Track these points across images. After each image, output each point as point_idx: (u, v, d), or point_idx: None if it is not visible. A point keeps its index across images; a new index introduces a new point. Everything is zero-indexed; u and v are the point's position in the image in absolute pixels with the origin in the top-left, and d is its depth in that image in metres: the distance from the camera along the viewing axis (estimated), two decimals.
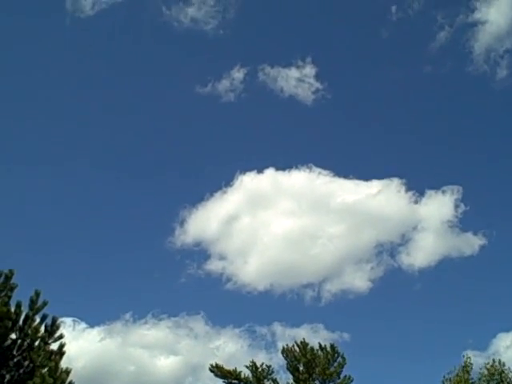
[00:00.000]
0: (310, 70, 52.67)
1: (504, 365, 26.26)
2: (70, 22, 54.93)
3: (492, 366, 26.46)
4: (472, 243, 48.74)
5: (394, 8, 54.13)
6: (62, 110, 57.58)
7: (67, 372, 12.56)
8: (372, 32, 57.81)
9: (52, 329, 12.48)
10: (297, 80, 53.02)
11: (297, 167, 51.26)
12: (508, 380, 25.86)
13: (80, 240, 55.45)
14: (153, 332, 46.10)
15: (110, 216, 57.71)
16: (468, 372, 26.08)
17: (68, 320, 41.26)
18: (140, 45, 59.15)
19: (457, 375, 26.01)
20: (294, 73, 52.96)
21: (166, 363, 44.94)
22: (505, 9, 52.01)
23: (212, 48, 58.36)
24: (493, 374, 26.19)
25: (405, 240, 49.24)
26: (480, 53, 52.24)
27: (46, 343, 12.49)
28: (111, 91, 58.89)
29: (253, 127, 59.79)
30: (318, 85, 52.79)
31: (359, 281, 48.93)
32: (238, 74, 53.06)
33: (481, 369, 26.54)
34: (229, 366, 28.47)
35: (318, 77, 52.75)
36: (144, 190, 57.80)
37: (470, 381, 25.99)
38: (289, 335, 42.49)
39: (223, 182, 52.01)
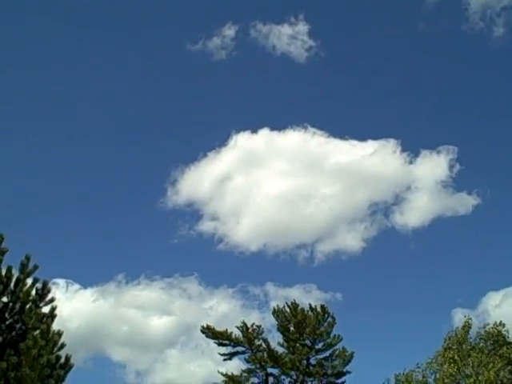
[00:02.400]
0: (302, 27, 52.32)
1: (504, 325, 26.72)
2: None
3: (494, 327, 26.84)
4: (466, 203, 49.56)
5: None
6: (48, 69, 56.99)
7: (59, 334, 12.64)
8: None
9: (43, 292, 12.51)
10: (289, 37, 52.58)
11: (292, 127, 51.26)
12: (504, 340, 26.35)
13: (72, 202, 55.70)
14: (146, 293, 46.61)
15: (101, 177, 57.80)
16: (467, 332, 26.62)
17: (61, 281, 41.66)
18: (129, 3, 58.40)
19: (455, 335, 26.53)
20: (286, 30, 52.51)
21: (159, 323, 45.56)
22: None
23: (203, 4, 57.62)
24: (491, 335, 26.67)
25: (399, 200, 49.78)
26: (476, 10, 51.64)
27: (38, 306, 12.53)
28: (99, 49, 58.41)
29: (246, 86, 59.52)
30: (311, 42, 52.53)
31: (352, 241, 49.53)
32: (230, 31, 52.56)
33: (479, 329, 27.07)
34: (220, 327, 28.85)
35: (311, 34, 52.43)
36: (135, 150, 57.81)
37: (469, 339, 26.55)
38: (282, 295, 43.02)
39: (217, 141, 52.13)
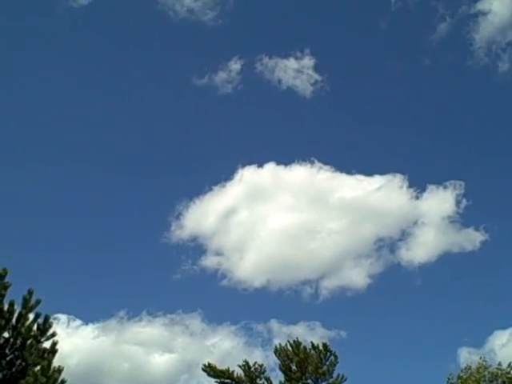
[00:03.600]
0: (308, 62, 52.23)
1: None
2: (62, 11, 54.91)
3: (497, 369, 26.50)
4: (473, 239, 48.50)
5: None
6: (55, 105, 57.38)
7: (59, 370, 12.59)
8: (371, 23, 57.65)
9: (45, 327, 12.53)
10: (295, 71, 52.54)
11: (298, 162, 51.02)
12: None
13: (75, 237, 55.31)
14: (147, 329, 46.04)
15: (104, 212, 57.29)
16: (480, 373, 26.26)
17: (63, 317, 41.33)
18: (134, 35, 58.92)
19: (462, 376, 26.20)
20: (292, 64, 52.45)
21: (160, 361, 44.92)
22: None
23: (209, 38, 58.03)
24: (496, 376, 26.33)
25: (405, 236, 49.20)
26: (481, 45, 51.73)
27: (39, 341, 12.54)
28: (105, 84, 58.91)
29: (252, 120, 59.47)
30: (316, 76, 52.47)
31: (358, 277, 48.77)
32: (236, 65, 52.73)
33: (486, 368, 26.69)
34: (223, 365, 28.56)
35: (316, 68, 52.39)
36: (140, 185, 57.43)
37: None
38: (285, 332, 42.48)
39: (223, 175, 51.82)
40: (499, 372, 26.36)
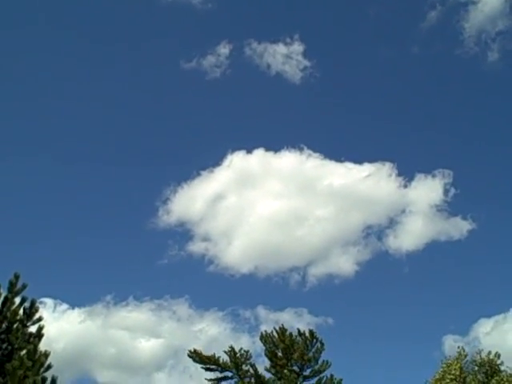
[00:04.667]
0: (297, 47, 52.56)
1: (499, 357, 26.75)
2: None
3: (484, 359, 26.87)
4: (461, 227, 49.46)
5: None
6: (38, 94, 56.97)
7: (46, 355, 12.54)
8: (360, 10, 58.19)
9: (31, 311, 12.47)
10: (284, 57, 52.73)
11: (287, 148, 51.27)
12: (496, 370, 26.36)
13: (62, 222, 55.39)
14: (134, 314, 46.22)
15: (91, 197, 57.43)
16: (460, 362, 26.58)
17: (49, 301, 41.28)
18: (122, 17, 58.70)
19: (447, 365, 26.50)
20: (281, 49, 52.62)
21: (147, 346, 45.12)
22: None
23: (197, 22, 58.06)
24: (483, 364, 26.70)
25: (393, 223, 49.73)
26: (471, 34, 52.07)
27: (25, 326, 12.47)
28: (91, 70, 58.38)
29: (241, 105, 59.67)
30: (306, 62, 52.76)
31: (345, 264, 49.38)
32: (224, 49, 52.85)
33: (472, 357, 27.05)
34: (210, 351, 28.66)
35: (305, 54, 52.65)
36: (128, 170, 57.57)
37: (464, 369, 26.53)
38: (272, 319, 42.83)
39: (212, 160, 52.02)
40: (484, 359, 26.70)
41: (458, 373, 25.74)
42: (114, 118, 57.86)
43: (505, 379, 25.42)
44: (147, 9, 57.68)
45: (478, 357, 26.97)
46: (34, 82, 56.98)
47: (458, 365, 26.17)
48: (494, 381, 25.68)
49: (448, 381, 25.49)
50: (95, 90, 57.91)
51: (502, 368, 26.56)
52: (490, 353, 26.96)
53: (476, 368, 26.72)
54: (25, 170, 54.89)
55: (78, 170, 57.20)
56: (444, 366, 26.55)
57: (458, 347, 27.39)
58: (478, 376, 26.19)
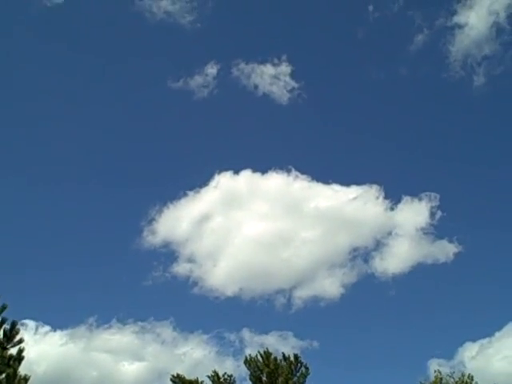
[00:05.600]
0: (285, 68, 52.31)
1: (472, 378, 26.72)
2: (36, 10, 54.57)
3: (460, 379, 26.88)
4: (447, 250, 48.82)
5: (370, 7, 53.93)
6: (26, 105, 56.39)
7: (26, 379, 12.24)
8: (349, 31, 58.20)
9: (11, 333, 12.16)
10: (272, 77, 52.55)
11: (275, 169, 51.04)
12: None
13: (45, 242, 54.57)
14: (117, 337, 45.37)
15: (75, 216, 56.23)
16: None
17: (31, 323, 40.52)
18: (109, 36, 58.60)
19: None
20: (269, 70, 52.51)
21: (130, 369, 44.21)
22: (485, 13, 51.56)
23: (185, 42, 57.77)
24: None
25: (379, 246, 49.26)
26: (457, 58, 52.23)
27: (5, 348, 12.15)
28: (78, 85, 57.61)
29: (228, 125, 59.51)
30: (293, 83, 52.53)
31: (331, 286, 48.64)
32: (212, 69, 52.64)
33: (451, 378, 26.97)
34: (194, 374, 28.19)
35: (293, 75, 52.45)
36: (113, 189, 57.00)
37: None
38: (257, 342, 42.26)
39: (198, 181, 51.40)
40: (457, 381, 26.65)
41: None
42: (98, 137, 57.36)
43: None
44: (134, 28, 57.61)
45: (452, 380, 26.91)
46: (19, 101, 56.47)
47: None
48: None
49: None
50: (80, 108, 57.50)
51: None
52: (462, 375, 26.95)
53: None
54: (5, 191, 54.23)
55: (61, 190, 56.65)
56: None
57: (435, 371, 27.34)
58: None
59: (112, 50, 57.89)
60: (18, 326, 12.25)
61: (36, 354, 36.69)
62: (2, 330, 12.06)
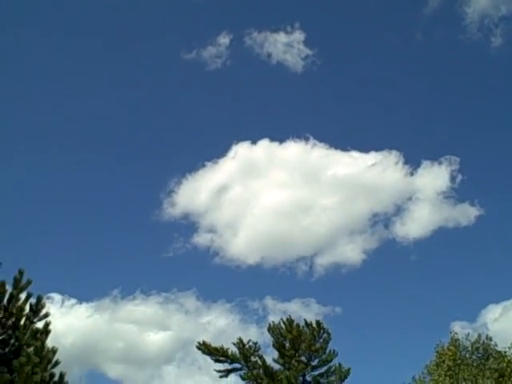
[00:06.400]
0: (298, 36, 51.92)
1: (491, 339, 26.96)
2: None
3: (477, 340, 27.15)
4: (468, 214, 48.91)
5: None
6: (39, 89, 56.85)
7: (53, 351, 12.57)
8: None
9: (37, 307, 12.49)
10: (285, 45, 52.07)
11: (292, 138, 50.98)
12: (492, 352, 26.49)
13: (67, 217, 55.40)
14: (142, 308, 46.26)
15: (95, 190, 57.33)
16: (456, 346, 26.75)
17: (57, 296, 41.42)
18: (119, 9, 58.23)
19: (447, 347, 26.66)
20: (282, 38, 52.02)
21: (155, 339, 45.19)
22: None
23: (197, 13, 57.56)
24: (477, 348, 26.93)
25: (400, 211, 49.35)
26: (473, 20, 51.38)
27: (32, 322, 12.50)
28: (93, 60, 57.73)
29: (244, 96, 59.24)
30: (307, 51, 52.14)
31: (352, 253, 49.01)
32: (224, 39, 52.41)
33: (466, 340, 27.23)
34: (218, 343, 28.67)
35: (306, 43, 52.04)
36: (132, 162, 57.36)
37: (459, 354, 26.64)
38: (280, 310, 42.80)
39: (216, 151, 51.80)
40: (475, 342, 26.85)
41: (450, 363, 25.85)
42: (115, 111, 57.75)
43: (504, 362, 25.29)
44: (145, 0, 57.42)
45: (468, 343, 27.10)
46: (32, 80, 56.80)
47: (451, 352, 26.26)
48: (492, 363, 25.72)
49: (443, 370, 25.61)
50: (95, 84, 57.78)
51: (500, 349, 26.59)
52: (479, 336, 27.15)
53: (467, 354, 26.79)
54: (28, 166, 54.96)
55: (82, 164, 57.24)
56: (436, 353, 26.77)
57: (450, 332, 27.61)
58: (473, 357, 26.31)
59: (123, 23, 58.01)
60: (43, 300, 12.60)
61: (63, 327, 37.56)
62: (28, 305, 12.40)
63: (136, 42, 58.18)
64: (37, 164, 55.64)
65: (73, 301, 44.40)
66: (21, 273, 12.23)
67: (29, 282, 12.28)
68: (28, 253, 46.06)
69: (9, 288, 12.18)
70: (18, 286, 12.16)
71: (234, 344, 28.49)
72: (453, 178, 49.53)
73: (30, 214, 54.93)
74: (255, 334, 39.61)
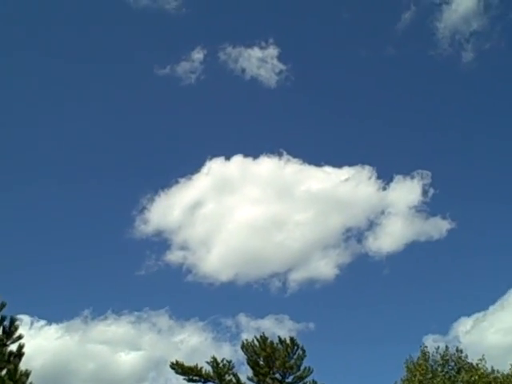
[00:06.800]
0: (272, 51, 52.35)
1: (461, 352, 27.29)
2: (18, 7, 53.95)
3: (445, 352, 27.49)
4: (440, 227, 49.37)
5: None
6: (9, 102, 56.04)
7: (27, 374, 12.46)
8: (335, 12, 58.03)
9: (10, 330, 12.33)
10: (259, 60, 52.51)
11: (266, 154, 51.18)
12: (463, 364, 26.80)
13: (37, 235, 54.58)
14: (113, 328, 45.70)
15: (67, 207, 56.14)
16: (426, 360, 27.03)
17: (26, 318, 40.66)
18: (93, 22, 57.61)
19: (416, 363, 26.91)
20: (256, 53, 52.38)
21: (127, 359, 44.57)
22: None
23: (171, 27, 57.51)
24: (447, 361, 27.24)
25: (372, 225, 49.73)
26: (444, 35, 52.09)
27: (5, 345, 12.33)
28: (63, 74, 57.27)
29: (218, 111, 59.03)
30: (281, 66, 52.53)
31: (326, 268, 49.20)
32: (198, 54, 52.58)
33: (436, 353, 27.53)
34: (191, 361, 28.45)
35: (280, 58, 52.44)
36: (104, 178, 56.85)
37: (429, 367, 26.91)
38: (254, 327, 42.70)
39: (190, 168, 51.35)
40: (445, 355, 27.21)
41: (421, 377, 26.13)
42: (86, 129, 57.23)
43: (476, 375, 25.61)
44: (118, 15, 57.26)
45: (439, 356, 27.42)
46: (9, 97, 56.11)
47: (420, 367, 26.55)
48: (464, 376, 26.02)
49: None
50: (67, 101, 57.38)
51: (471, 361, 26.92)
52: (447, 348, 27.54)
53: (439, 367, 27.10)
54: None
55: (52, 183, 56.48)
56: (406, 369, 27.07)
57: (420, 346, 27.90)
58: (445, 369, 26.63)
59: (96, 38, 57.59)
60: (17, 322, 12.45)
61: (32, 349, 36.69)
62: (1, 327, 12.23)
63: (109, 58, 58.04)
64: (6, 184, 54.78)
65: (42, 322, 43.77)
66: None
67: (3, 305, 12.15)
68: None
69: None
70: None
71: (208, 363, 28.27)
72: (425, 192, 50.28)
73: None
74: (229, 352, 39.46)
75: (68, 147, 57.08)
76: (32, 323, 42.73)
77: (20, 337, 12.40)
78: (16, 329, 12.34)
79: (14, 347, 12.41)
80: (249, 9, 58.94)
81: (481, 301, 45.90)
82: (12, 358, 12.35)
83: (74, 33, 57.16)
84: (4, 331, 12.23)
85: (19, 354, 12.46)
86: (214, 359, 28.19)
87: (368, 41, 57.98)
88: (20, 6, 54.60)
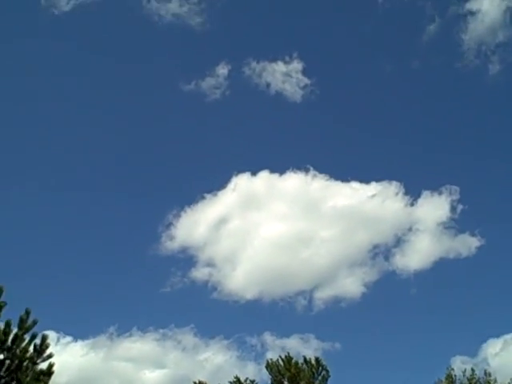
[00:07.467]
0: (296, 65, 51.90)
1: (490, 375, 26.70)
2: (44, 18, 54.34)
3: (472, 376, 26.93)
4: (469, 244, 48.10)
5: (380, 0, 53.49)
6: (37, 111, 56.43)
7: None
8: (359, 25, 57.45)
9: (41, 348, 12.13)
10: (283, 75, 52.17)
11: (292, 170, 50.59)
12: None
13: (63, 251, 54.42)
14: (138, 345, 45.32)
15: (92, 224, 55.69)
16: (452, 383, 26.51)
17: (52, 334, 40.42)
18: (119, 41, 58.11)
19: None
20: (280, 67, 52.08)
21: (151, 377, 44.06)
22: None
23: (195, 43, 57.40)
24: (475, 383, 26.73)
25: (400, 242, 48.67)
26: (470, 47, 51.23)
27: (35, 363, 12.13)
28: (90, 91, 57.32)
29: (243, 127, 58.51)
30: (306, 80, 52.06)
31: (352, 286, 48.15)
32: (223, 70, 52.43)
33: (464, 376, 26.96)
34: (215, 380, 28.34)
35: (305, 72, 51.98)
36: (130, 194, 56.25)
37: None
38: (279, 346, 42.03)
39: (216, 183, 50.90)
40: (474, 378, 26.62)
41: None
42: (113, 143, 57.18)
43: None
44: (143, 32, 57.39)
45: (466, 379, 26.84)
46: (32, 107, 56.59)
47: None
48: None
49: None
50: (94, 114, 57.51)
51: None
52: (473, 370, 26.89)
53: None
54: (23, 200, 54.16)
55: (79, 197, 56.34)
56: None
57: (447, 368, 27.34)
58: None
59: (122, 54, 57.69)
60: (48, 341, 12.24)
61: (58, 366, 36.63)
62: (32, 346, 12.05)
63: (134, 74, 58.25)
64: (31, 197, 54.81)
65: (68, 338, 43.53)
66: (27, 313, 11.88)
67: (34, 322, 11.95)
68: (23, 289, 45.11)
69: (14, 328, 11.84)
70: (23, 327, 11.82)
71: (231, 382, 28.05)
72: (453, 208, 49.25)
73: (25, 250, 53.97)
74: (253, 371, 38.78)
75: (96, 163, 57.17)
76: (58, 339, 42.59)
77: (50, 355, 12.17)
78: (47, 347, 12.13)
79: (44, 365, 12.20)
80: (272, 23, 58.88)
81: (510, 322, 44.71)
82: (42, 377, 12.14)
83: (99, 51, 57.56)
84: (35, 349, 12.03)
85: (49, 372, 12.24)
86: (238, 379, 27.97)
87: (393, 54, 57.32)
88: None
